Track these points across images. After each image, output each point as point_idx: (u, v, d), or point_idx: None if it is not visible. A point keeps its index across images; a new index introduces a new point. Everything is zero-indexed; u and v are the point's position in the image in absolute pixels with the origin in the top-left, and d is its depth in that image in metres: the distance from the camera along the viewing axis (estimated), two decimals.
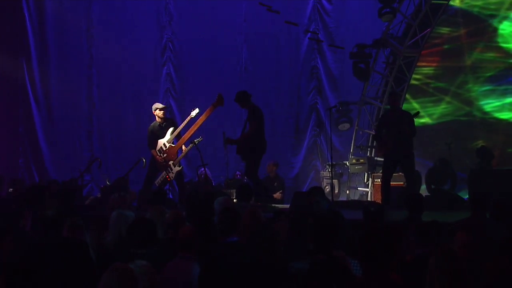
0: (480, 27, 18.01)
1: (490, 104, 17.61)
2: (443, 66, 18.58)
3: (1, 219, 9.37)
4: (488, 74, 17.75)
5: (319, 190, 10.38)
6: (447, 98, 18.50)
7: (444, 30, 18.46)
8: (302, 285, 5.67)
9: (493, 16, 17.82)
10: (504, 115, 17.63)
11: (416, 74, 18.80)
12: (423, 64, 18.79)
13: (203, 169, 16.69)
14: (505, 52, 17.71)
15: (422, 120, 18.59)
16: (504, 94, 17.49)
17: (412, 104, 18.95)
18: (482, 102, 17.74)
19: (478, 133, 18.12)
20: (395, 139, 13.02)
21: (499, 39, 17.82)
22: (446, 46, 18.64)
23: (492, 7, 17.87)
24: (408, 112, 13.71)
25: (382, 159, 14.70)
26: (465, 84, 18.20)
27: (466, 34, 18.12)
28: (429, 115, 18.74)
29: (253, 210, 8.23)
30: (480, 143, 17.84)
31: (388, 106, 15.92)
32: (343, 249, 6.89)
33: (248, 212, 8.06)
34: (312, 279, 5.59)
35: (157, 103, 15.23)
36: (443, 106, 18.62)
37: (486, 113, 17.93)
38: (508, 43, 17.69)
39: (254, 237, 7.08)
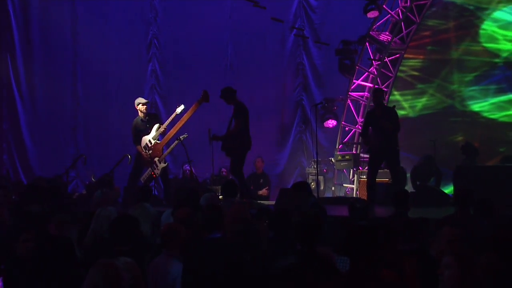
0: (469, 20, 18.01)
1: (478, 104, 17.63)
2: (429, 58, 18.57)
3: None
4: (474, 74, 17.77)
5: (304, 185, 10.33)
6: (431, 91, 18.52)
7: (433, 22, 18.46)
8: (286, 281, 5.64)
9: (483, 9, 17.83)
10: (482, 107, 17.66)
11: (402, 66, 18.87)
12: (410, 56, 18.82)
13: (188, 165, 16.73)
14: (488, 51, 17.74)
15: (403, 112, 18.64)
16: (493, 93, 17.51)
17: (396, 96, 19.00)
18: (469, 102, 17.76)
19: (457, 126, 18.17)
20: (380, 135, 13.03)
21: (482, 39, 17.86)
22: (429, 48, 18.64)
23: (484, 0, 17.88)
24: (391, 107, 13.73)
25: (368, 156, 14.71)
26: (450, 77, 18.21)
27: (454, 27, 18.13)
28: (411, 108, 18.77)
29: (239, 207, 8.22)
30: (459, 136, 18.02)
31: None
32: (329, 245, 6.91)
33: (233, 209, 8.05)
34: (295, 275, 5.57)
35: (139, 98, 15.25)
36: (425, 99, 18.64)
37: (466, 106, 17.98)
38: (490, 43, 17.72)
39: (238, 234, 7.10)
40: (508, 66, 17.40)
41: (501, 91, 17.37)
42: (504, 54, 17.47)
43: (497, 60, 17.57)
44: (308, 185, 10.73)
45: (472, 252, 5.53)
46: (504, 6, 17.62)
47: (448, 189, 15.91)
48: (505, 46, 17.52)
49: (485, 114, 17.52)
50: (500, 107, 17.33)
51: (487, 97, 17.51)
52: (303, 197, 9.68)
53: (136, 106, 14.89)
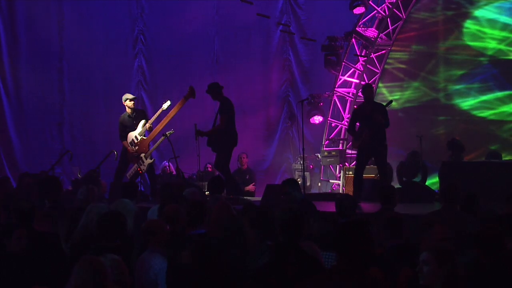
0: (459, 13, 18.05)
1: (466, 102, 17.69)
2: (416, 51, 18.60)
3: None
4: (461, 72, 17.82)
5: (292, 182, 10.33)
6: (415, 84, 18.57)
7: (423, 15, 18.48)
8: (267, 277, 5.62)
9: (472, 3, 17.88)
10: (467, 103, 17.72)
11: (389, 58, 18.89)
12: (397, 48, 18.85)
13: (166, 162, 16.75)
14: (473, 49, 17.80)
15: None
16: (481, 91, 17.56)
17: (381, 89, 19.06)
18: (458, 100, 17.81)
19: (440, 119, 18.28)
20: (369, 131, 13.05)
21: (465, 38, 17.92)
22: (414, 47, 18.68)
23: None
24: (381, 103, 13.75)
25: (355, 152, 14.73)
26: (436, 70, 18.27)
27: (443, 20, 18.16)
28: (395, 100, 18.83)
29: (224, 203, 8.23)
30: (441, 129, 18.15)
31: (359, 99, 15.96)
32: (316, 241, 6.91)
33: (219, 205, 8.06)
34: (276, 271, 5.54)
35: (126, 94, 15.19)
36: (410, 92, 18.69)
37: (450, 99, 18.05)
38: (474, 41, 17.78)
39: (223, 231, 7.11)
40: (494, 64, 17.45)
41: (488, 89, 17.42)
42: (490, 52, 17.52)
43: (482, 58, 17.63)
44: (295, 181, 10.71)
45: (453, 248, 5.53)
46: (486, 5, 17.70)
47: (432, 181, 16.00)
48: (489, 44, 17.57)
49: (474, 112, 17.57)
50: (489, 105, 17.38)
51: (475, 95, 17.54)
52: (293, 194, 9.67)
53: (123, 102, 14.84)
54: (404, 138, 17.78)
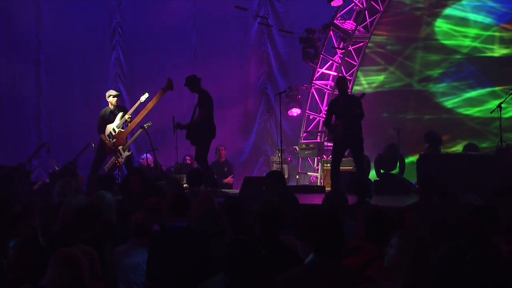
0: (429, 13, 18.17)
1: (450, 101, 17.80)
2: (397, 36, 18.65)
3: None
4: (439, 71, 17.91)
5: (276, 174, 10.28)
6: (391, 68, 18.64)
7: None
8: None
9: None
10: (451, 101, 17.84)
11: (370, 42, 18.90)
12: (379, 32, 18.86)
13: (145, 155, 16.75)
14: (447, 49, 17.91)
15: (359, 88, 18.93)
16: (463, 89, 17.68)
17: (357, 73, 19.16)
18: (441, 99, 17.92)
19: (410, 104, 18.41)
20: (344, 124, 13.10)
21: (439, 37, 18.02)
22: (388, 47, 18.76)
23: None
24: (355, 96, 13.80)
25: (331, 145, 14.76)
26: (414, 55, 18.36)
27: (430, 5, 18.22)
28: (369, 84, 18.91)
29: (206, 196, 8.23)
30: (410, 114, 18.29)
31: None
32: (296, 233, 6.92)
33: (200, 198, 8.07)
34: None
35: (110, 90, 15.30)
36: (384, 75, 18.78)
37: (424, 85, 18.18)
38: (448, 40, 17.89)
39: (204, 223, 7.11)
40: (471, 62, 17.57)
41: (470, 87, 17.53)
42: (465, 50, 17.65)
43: (458, 56, 17.75)
44: (282, 175, 10.69)
45: (422, 237, 5.55)
46: (453, 3, 17.85)
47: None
48: (463, 42, 17.69)
49: (459, 110, 17.68)
50: (473, 102, 17.51)
51: (458, 93, 17.67)
52: (277, 186, 9.66)
53: (107, 98, 14.90)
54: (382, 130, 17.91)
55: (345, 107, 13.13)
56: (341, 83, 13.78)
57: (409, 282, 5.06)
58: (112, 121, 14.71)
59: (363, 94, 14.08)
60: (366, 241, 6.39)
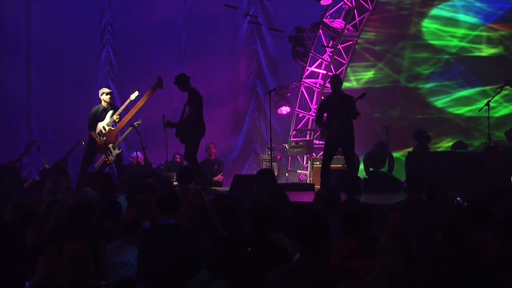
0: (415, 13, 18.28)
1: (440, 100, 17.90)
2: (386, 32, 18.73)
3: None
4: (429, 71, 18.01)
5: (266, 173, 10.33)
6: (380, 65, 18.74)
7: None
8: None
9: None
10: (442, 101, 17.94)
11: (360, 38, 18.95)
12: (369, 29, 18.91)
13: (135, 153, 16.78)
14: (435, 49, 18.02)
15: (348, 84, 18.97)
16: (453, 89, 17.78)
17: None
18: (432, 99, 18.02)
19: (397, 101, 18.58)
20: (337, 122, 13.15)
21: (427, 37, 18.12)
22: (377, 48, 18.84)
23: None
24: (349, 95, 13.87)
25: (322, 142, 14.82)
26: (402, 52, 18.48)
27: (416, 6, 18.31)
28: (357, 80, 19.00)
29: (196, 194, 8.28)
30: (396, 111, 18.43)
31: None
32: (286, 231, 6.97)
33: (190, 196, 8.11)
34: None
35: (104, 88, 15.39)
36: (373, 72, 18.87)
37: (412, 81, 18.30)
38: (436, 40, 17.99)
39: (194, 221, 7.15)
40: (460, 62, 17.69)
41: (460, 86, 17.66)
42: (453, 50, 17.77)
43: (446, 56, 17.87)
44: (273, 173, 10.73)
45: (407, 233, 5.61)
46: (439, 4, 17.98)
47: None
48: (451, 42, 17.82)
49: (450, 110, 17.79)
50: (463, 101, 17.61)
51: (448, 93, 17.77)
52: (267, 184, 9.70)
53: (100, 95, 14.93)
54: (370, 127, 18.02)
55: (339, 105, 13.19)
56: (334, 81, 13.85)
57: (394, 279, 5.09)
58: (103, 119, 14.74)
59: (363, 94, 14.10)
60: (344, 236, 6.47)
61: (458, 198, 9.91)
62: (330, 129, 13.42)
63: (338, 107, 13.19)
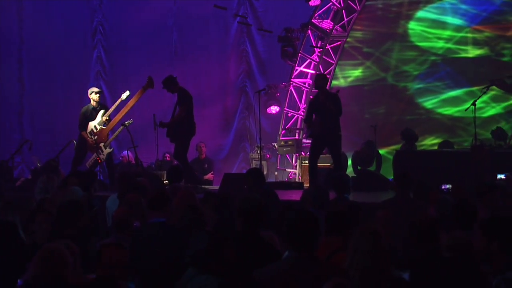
0: (402, 15, 18.46)
1: (429, 101, 18.05)
2: (374, 31, 18.87)
3: None
4: (416, 72, 18.16)
5: (255, 173, 10.39)
6: (368, 63, 18.91)
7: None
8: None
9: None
10: (430, 102, 18.10)
11: (349, 37, 19.09)
12: (358, 27, 19.05)
13: (126, 152, 16.85)
14: (422, 50, 18.18)
15: (335, 82, 19.17)
16: (440, 90, 17.93)
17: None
18: (420, 99, 18.17)
19: (383, 99, 18.77)
20: (323, 121, 13.23)
21: (413, 39, 18.28)
22: (365, 50, 19.00)
23: None
24: (333, 93, 13.95)
25: (310, 141, 14.91)
26: (390, 51, 18.65)
27: (402, 8, 18.46)
28: (344, 78, 19.16)
29: (187, 192, 8.37)
30: (382, 109, 18.61)
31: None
32: (275, 229, 7.07)
33: (181, 194, 8.20)
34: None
35: (93, 87, 15.41)
36: (360, 70, 19.04)
37: (398, 80, 18.47)
38: (422, 42, 18.16)
39: (185, 220, 7.25)
40: (447, 63, 17.87)
41: (448, 87, 17.82)
42: (439, 52, 17.96)
43: (433, 57, 18.07)
44: (262, 173, 10.83)
45: (382, 231, 5.68)
46: (424, 6, 18.19)
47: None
48: (437, 44, 18.00)
49: (438, 110, 17.95)
50: (450, 101, 17.78)
51: (436, 94, 17.93)
52: (258, 183, 9.79)
53: (89, 94, 14.94)
54: (358, 125, 18.19)
55: (324, 104, 13.24)
56: (317, 80, 13.95)
57: (365, 275, 5.12)
58: (93, 118, 14.80)
59: (337, 91, 14.21)
60: (329, 233, 6.60)
61: (443, 186, 10.06)
62: (312, 128, 13.52)
63: (322, 106, 13.25)
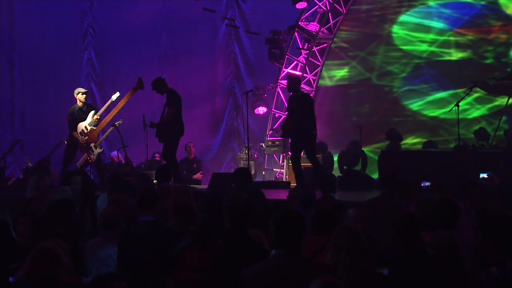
0: (385, 19, 18.69)
1: (415, 103, 18.25)
2: (359, 32, 19.07)
3: None
4: (402, 76, 18.35)
5: (242, 172, 10.55)
6: (353, 63, 19.13)
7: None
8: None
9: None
10: (416, 104, 18.31)
11: (336, 37, 19.29)
12: (346, 28, 19.25)
13: (115, 152, 16.99)
14: (407, 53, 18.43)
15: (321, 82, 19.47)
16: (426, 92, 18.14)
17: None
18: (406, 102, 18.36)
19: (367, 98, 19.00)
20: (296, 121, 13.32)
21: (397, 42, 18.50)
22: (350, 54, 19.19)
23: None
24: (308, 94, 14.06)
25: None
26: (375, 51, 18.86)
27: (385, 12, 18.68)
28: (330, 77, 19.40)
29: (184, 189, 8.52)
30: (366, 108, 18.87)
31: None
32: (262, 227, 7.26)
33: (175, 191, 8.34)
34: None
35: (79, 88, 15.41)
36: (346, 70, 19.27)
37: (381, 79, 18.74)
38: (406, 45, 18.36)
39: (178, 219, 7.42)
40: (431, 66, 18.09)
41: (433, 90, 18.01)
42: (424, 55, 18.17)
43: (417, 60, 18.28)
44: (249, 172, 10.98)
45: (357, 229, 5.80)
46: (407, 10, 18.41)
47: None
48: (420, 47, 18.23)
49: (425, 112, 18.16)
50: (435, 103, 18.01)
51: (421, 96, 18.18)
52: (245, 182, 9.96)
53: (75, 95, 14.98)
54: (342, 125, 18.44)
55: (298, 105, 13.31)
56: (288, 82, 14.14)
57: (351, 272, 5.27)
58: (81, 118, 14.84)
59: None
60: (314, 232, 6.80)
61: (423, 184, 10.23)
62: (284, 129, 13.67)
63: (296, 107, 13.39)
